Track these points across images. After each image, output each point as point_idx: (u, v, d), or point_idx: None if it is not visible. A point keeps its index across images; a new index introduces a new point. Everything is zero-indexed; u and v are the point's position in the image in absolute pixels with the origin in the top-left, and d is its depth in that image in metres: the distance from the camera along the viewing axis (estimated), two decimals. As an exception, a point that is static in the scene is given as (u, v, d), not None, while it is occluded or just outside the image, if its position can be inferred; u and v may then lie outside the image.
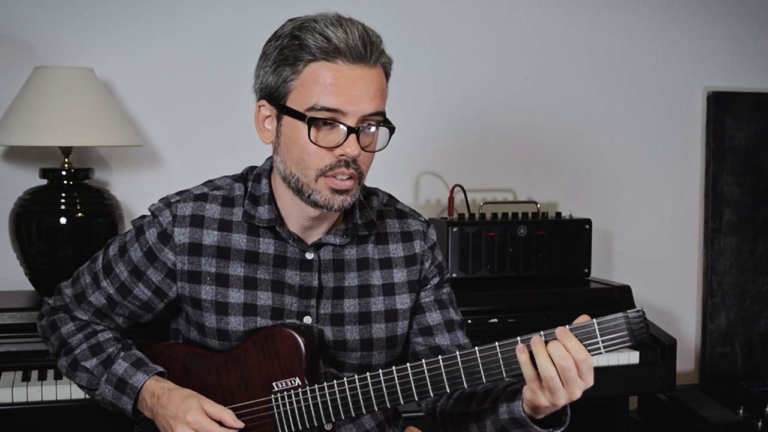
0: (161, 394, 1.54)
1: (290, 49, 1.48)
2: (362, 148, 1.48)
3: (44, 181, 2.44)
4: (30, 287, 2.46)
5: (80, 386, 1.66)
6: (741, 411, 2.79)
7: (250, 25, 2.76)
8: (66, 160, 2.44)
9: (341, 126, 1.46)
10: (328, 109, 1.45)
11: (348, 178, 1.49)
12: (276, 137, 1.54)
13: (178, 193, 1.63)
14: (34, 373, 2.15)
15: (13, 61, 2.57)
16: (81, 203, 2.38)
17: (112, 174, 2.69)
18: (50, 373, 2.15)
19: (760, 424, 2.74)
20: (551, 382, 1.36)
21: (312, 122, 1.46)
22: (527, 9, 3.03)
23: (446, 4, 2.96)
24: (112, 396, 1.59)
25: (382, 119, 1.51)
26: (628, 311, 1.38)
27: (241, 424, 1.51)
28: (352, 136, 1.46)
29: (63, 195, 2.38)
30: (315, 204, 1.51)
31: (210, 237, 1.58)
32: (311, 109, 1.46)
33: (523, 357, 1.39)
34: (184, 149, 2.74)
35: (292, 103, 1.49)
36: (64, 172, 2.41)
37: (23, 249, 2.38)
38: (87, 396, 1.68)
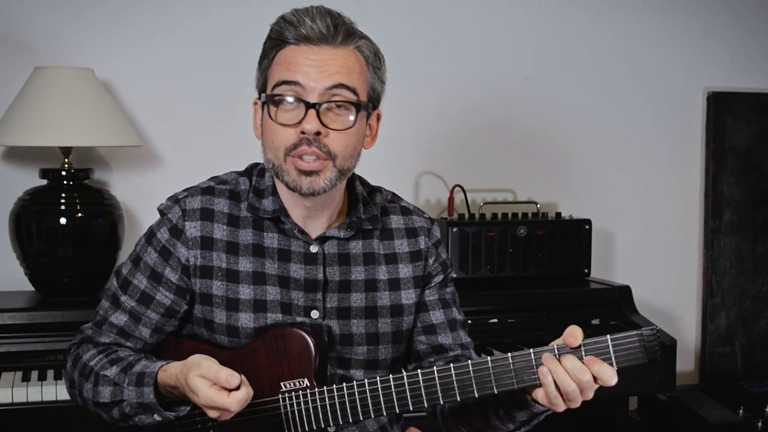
0: (168, 367, 1.49)
1: (268, 42, 1.55)
2: (326, 126, 1.49)
3: (44, 181, 2.44)
4: (30, 287, 2.46)
5: (103, 404, 1.54)
6: (741, 411, 2.79)
7: (250, 25, 2.75)
8: (66, 160, 2.44)
9: (301, 103, 1.48)
10: (287, 83, 1.49)
11: (315, 159, 1.49)
12: (261, 129, 1.58)
13: (185, 190, 1.64)
14: (34, 373, 2.15)
15: (13, 61, 2.57)
16: (81, 203, 2.38)
17: (112, 174, 2.69)
18: (50, 373, 2.15)
19: (760, 424, 2.74)
20: (572, 394, 1.38)
21: (271, 99, 1.50)
22: (527, 9, 3.03)
23: (446, 4, 2.96)
24: (135, 395, 1.50)
25: (352, 99, 1.51)
26: (643, 329, 1.38)
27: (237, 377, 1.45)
28: (311, 112, 1.47)
29: (63, 195, 2.38)
30: (288, 186, 1.52)
31: (220, 231, 1.59)
32: (274, 87, 1.51)
33: (547, 379, 1.39)
34: (184, 149, 2.74)
35: (267, 90, 1.54)
36: (64, 172, 2.41)
37: (23, 249, 2.38)
38: (117, 418, 1.56)
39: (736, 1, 3.22)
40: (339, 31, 1.50)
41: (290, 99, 1.49)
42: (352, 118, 1.51)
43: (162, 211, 1.62)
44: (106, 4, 2.65)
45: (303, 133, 1.48)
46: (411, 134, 2.89)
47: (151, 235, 1.62)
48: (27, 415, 2.08)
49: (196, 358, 1.43)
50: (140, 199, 2.67)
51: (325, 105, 1.48)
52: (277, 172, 1.52)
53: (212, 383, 1.39)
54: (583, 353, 1.39)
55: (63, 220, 2.35)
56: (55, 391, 2.08)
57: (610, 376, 1.37)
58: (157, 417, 1.51)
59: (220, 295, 1.57)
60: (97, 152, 2.67)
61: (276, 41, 1.53)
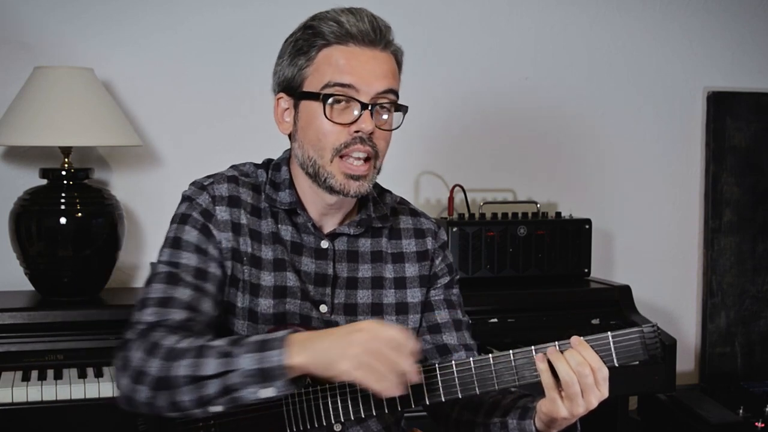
0: (312, 333, 1.39)
1: (304, 39, 1.55)
2: (377, 127, 1.53)
3: (44, 181, 2.44)
4: (30, 287, 2.46)
5: (200, 379, 1.37)
6: (741, 411, 2.79)
7: (250, 25, 2.76)
8: (66, 160, 2.44)
9: (355, 103, 1.51)
10: (341, 85, 1.51)
11: (363, 162, 1.53)
12: (294, 125, 1.58)
13: (209, 177, 1.62)
14: (34, 373, 2.15)
15: (13, 61, 2.57)
16: (81, 203, 2.38)
17: (112, 174, 2.69)
18: (50, 373, 2.15)
19: (760, 424, 2.74)
20: (571, 388, 1.38)
21: (327, 99, 1.51)
22: (527, 9, 3.03)
23: (446, 4, 2.96)
24: (256, 362, 1.35)
25: (395, 100, 1.56)
26: (643, 326, 1.39)
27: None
28: (366, 112, 1.51)
29: (63, 195, 2.38)
30: (331, 189, 1.54)
31: (245, 218, 1.60)
32: (325, 87, 1.52)
33: (542, 366, 1.40)
34: (184, 149, 2.74)
35: (307, 87, 1.54)
36: (64, 172, 2.41)
37: (23, 249, 2.38)
38: (205, 399, 1.37)
39: (736, 1, 3.22)
40: (384, 35, 1.54)
41: (345, 98, 1.51)
42: (398, 119, 1.58)
43: (189, 197, 1.59)
44: (106, 4, 2.65)
45: (356, 132, 1.51)
46: (411, 134, 2.87)
47: (185, 217, 1.57)
48: (27, 415, 2.08)
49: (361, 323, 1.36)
50: (140, 199, 2.67)
51: (378, 106, 1.53)
52: (319, 172, 1.54)
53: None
54: None
55: (63, 220, 2.35)
56: (55, 391, 2.08)
57: (594, 358, 1.38)
58: (269, 390, 1.35)
59: (245, 279, 1.58)
60: (97, 152, 2.67)
61: (315, 39, 1.53)
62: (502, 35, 3.02)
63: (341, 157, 1.52)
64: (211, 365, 1.37)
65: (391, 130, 1.58)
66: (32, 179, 2.48)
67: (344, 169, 1.52)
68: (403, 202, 1.76)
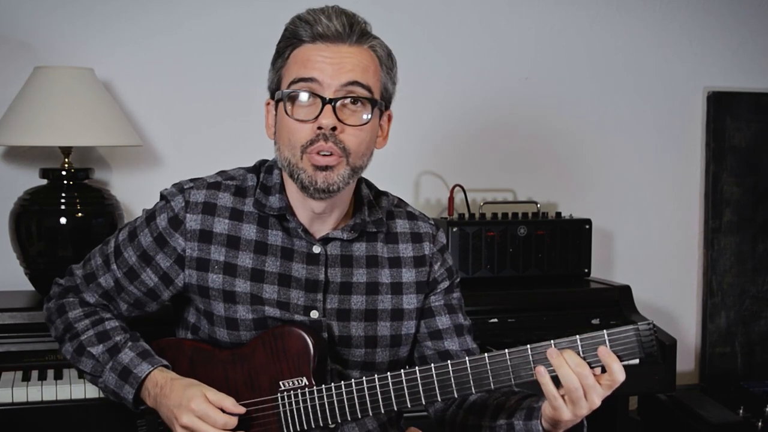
0: (164, 384, 1.54)
1: (282, 42, 1.56)
2: (342, 122, 1.50)
3: (44, 181, 2.44)
4: (30, 287, 2.46)
5: (83, 372, 1.66)
6: (741, 411, 2.79)
7: (251, 25, 2.76)
8: (66, 160, 2.44)
9: (318, 98, 1.49)
10: (304, 80, 1.50)
11: (330, 154, 1.50)
12: (275, 128, 1.58)
13: (192, 180, 1.65)
14: (34, 373, 2.15)
15: (13, 61, 2.57)
16: (81, 203, 2.38)
17: (112, 174, 2.69)
18: (50, 373, 2.15)
19: (760, 424, 2.74)
20: (575, 393, 1.38)
21: (287, 96, 1.51)
22: (527, 9, 3.03)
23: (446, 4, 2.96)
24: (114, 384, 1.60)
25: (366, 95, 1.52)
26: (639, 324, 1.39)
27: (242, 410, 1.51)
28: (328, 107, 1.49)
29: (63, 195, 2.38)
30: (302, 185, 1.52)
31: (221, 225, 1.59)
32: (291, 84, 1.52)
33: (543, 379, 1.40)
34: (184, 149, 2.74)
35: (282, 88, 1.55)
36: (64, 172, 2.41)
37: (23, 249, 2.38)
38: (86, 378, 1.68)
39: (736, 1, 3.22)
40: (354, 30, 1.52)
41: (306, 95, 1.50)
42: (367, 115, 1.53)
43: (165, 197, 1.63)
44: (106, 4, 2.65)
45: (320, 128, 1.49)
46: (411, 134, 2.89)
47: (151, 217, 1.64)
48: (27, 415, 2.08)
49: (188, 395, 1.50)
50: (140, 199, 2.66)
51: (340, 101, 1.50)
52: (293, 170, 1.53)
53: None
54: (580, 348, 1.40)
55: (63, 220, 2.35)
56: (55, 391, 2.08)
57: (617, 370, 1.38)
58: (123, 402, 1.61)
59: (217, 287, 1.58)
60: (97, 152, 2.67)
61: (291, 40, 1.54)
62: (502, 35, 3.02)
63: (308, 152, 1.51)
64: (87, 365, 1.64)
65: (357, 126, 1.52)
66: (32, 179, 2.48)
67: (311, 160, 1.50)
68: (400, 204, 1.73)
